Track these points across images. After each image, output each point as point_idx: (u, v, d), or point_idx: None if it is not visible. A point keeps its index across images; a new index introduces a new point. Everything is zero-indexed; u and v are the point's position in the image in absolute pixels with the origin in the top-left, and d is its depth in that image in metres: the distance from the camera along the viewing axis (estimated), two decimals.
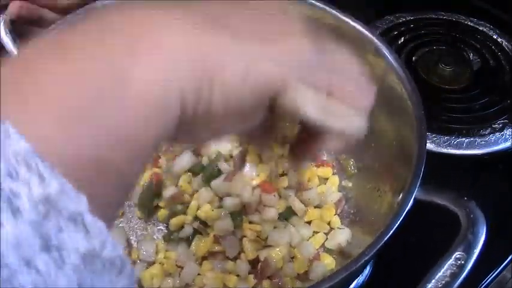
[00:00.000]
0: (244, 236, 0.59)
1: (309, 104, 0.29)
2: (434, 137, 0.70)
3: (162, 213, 0.62)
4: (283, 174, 0.65)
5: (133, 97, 0.24)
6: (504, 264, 0.61)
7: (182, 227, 0.61)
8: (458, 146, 0.70)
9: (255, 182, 0.63)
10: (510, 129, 0.71)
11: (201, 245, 0.59)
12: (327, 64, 0.31)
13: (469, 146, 0.70)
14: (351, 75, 0.33)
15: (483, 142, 0.70)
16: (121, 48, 0.25)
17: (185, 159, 0.64)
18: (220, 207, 0.61)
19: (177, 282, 0.57)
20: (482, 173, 0.71)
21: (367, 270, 0.57)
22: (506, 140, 0.71)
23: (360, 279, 0.57)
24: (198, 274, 0.58)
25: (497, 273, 0.60)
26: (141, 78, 0.25)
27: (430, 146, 0.66)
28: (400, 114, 0.55)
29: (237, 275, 0.57)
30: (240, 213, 0.60)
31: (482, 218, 0.45)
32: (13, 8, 0.64)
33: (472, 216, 0.45)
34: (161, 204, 0.63)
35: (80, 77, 0.24)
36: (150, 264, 0.59)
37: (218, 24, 0.28)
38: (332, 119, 0.30)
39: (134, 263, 0.59)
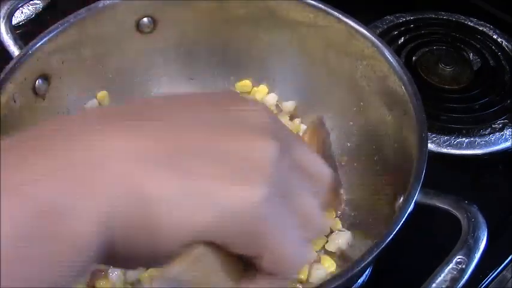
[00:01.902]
0: None
1: None
2: (434, 137, 0.70)
3: None
4: None
5: (66, 235, 0.23)
6: (504, 265, 0.61)
7: None
8: (458, 146, 0.70)
9: None
10: (510, 129, 0.71)
11: None
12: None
13: (469, 146, 0.70)
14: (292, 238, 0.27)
15: (483, 142, 0.70)
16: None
17: None
18: None
19: None
20: (482, 173, 0.71)
21: (366, 274, 0.57)
22: (506, 140, 0.70)
23: (358, 283, 0.57)
24: None
25: (497, 274, 0.61)
26: (79, 214, 0.23)
27: (430, 146, 0.66)
28: (402, 116, 0.55)
29: None
30: None
31: (484, 222, 0.45)
32: None
33: (473, 220, 0.45)
34: None
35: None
36: None
37: (174, 161, 0.25)
38: None
39: None
